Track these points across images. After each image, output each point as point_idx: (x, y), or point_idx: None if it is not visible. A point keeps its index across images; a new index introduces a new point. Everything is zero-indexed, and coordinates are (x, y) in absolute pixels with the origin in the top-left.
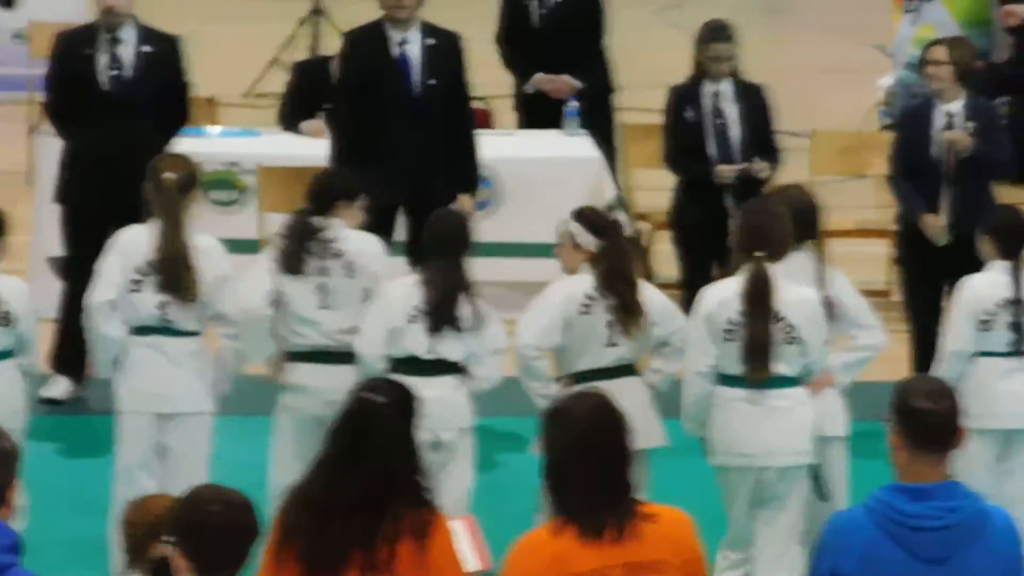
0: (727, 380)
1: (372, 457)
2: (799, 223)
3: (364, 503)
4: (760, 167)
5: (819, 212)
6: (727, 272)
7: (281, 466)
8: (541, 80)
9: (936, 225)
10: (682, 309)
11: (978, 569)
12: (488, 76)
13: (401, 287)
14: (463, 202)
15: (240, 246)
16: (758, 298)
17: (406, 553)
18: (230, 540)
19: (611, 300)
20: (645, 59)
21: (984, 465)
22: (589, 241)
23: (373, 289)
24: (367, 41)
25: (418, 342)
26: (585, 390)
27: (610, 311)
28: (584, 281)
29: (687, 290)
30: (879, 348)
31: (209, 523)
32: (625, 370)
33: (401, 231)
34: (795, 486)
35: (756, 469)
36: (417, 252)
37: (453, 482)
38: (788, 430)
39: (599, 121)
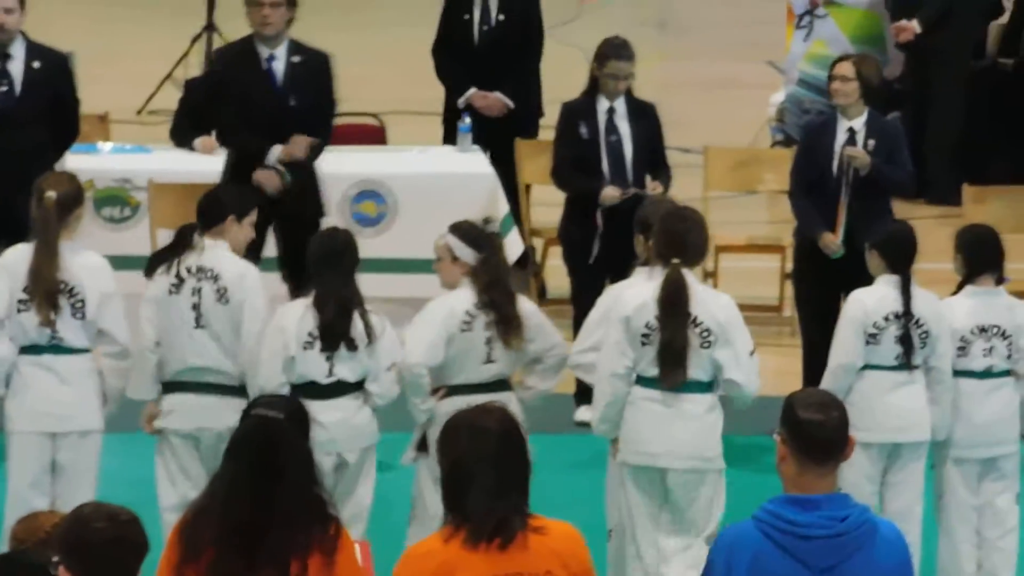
0: (642, 381)
1: (277, 473)
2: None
3: (271, 519)
4: (654, 187)
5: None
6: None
7: (166, 484)
8: (475, 96)
9: (834, 243)
10: (573, 324)
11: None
12: (381, 92)
13: (292, 313)
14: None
15: (132, 262)
16: (674, 304)
17: (315, 567)
18: (115, 556)
19: (491, 315)
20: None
21: (868, 478)
22: (468, 255)
23: (244, 323)
24: (236, 56)
25: (316, 367)
26: (483, 404)
27: (489, 327)
28: (464, 296)
29: (577, 305)
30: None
31: (94, 540)
32: (499, 385)
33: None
34: (700, 490)
35: (659, 469)
36: (290, 267)
37: (353, 501)
38: (696, 434)
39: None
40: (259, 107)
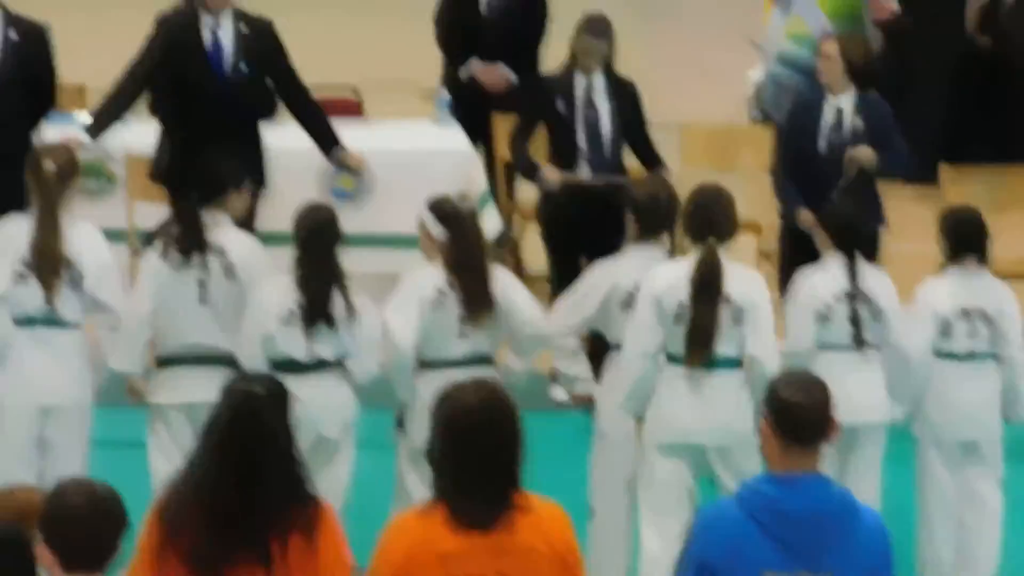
0: (674, 359)
1: (259, 454)
2: (662, 214)
3: (251, 499)
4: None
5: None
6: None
7: (159, 457)
8: (478, 68)
9: (811, 220)
10: (549, 301)
11: (843, 559)
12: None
13: (273, 290)
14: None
15: (109, 235)
16: (708, 283)
17: (295, 547)
18: (94, 532)
19: (459, 292)
20: None
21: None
22: (439, 231)
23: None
24: (179, 25)
25: (295, 344)
26: (477, 380)
27: (460, 304)
28: (434, 273)
29: (554, 283)
30: None
31: (72, 516)
32: (478, 361)
33: None
34: (741, 464)
35: (694, 447)
36: None
37: (332, 478)
38: (731, 410)
39: None
40: (199, 78)
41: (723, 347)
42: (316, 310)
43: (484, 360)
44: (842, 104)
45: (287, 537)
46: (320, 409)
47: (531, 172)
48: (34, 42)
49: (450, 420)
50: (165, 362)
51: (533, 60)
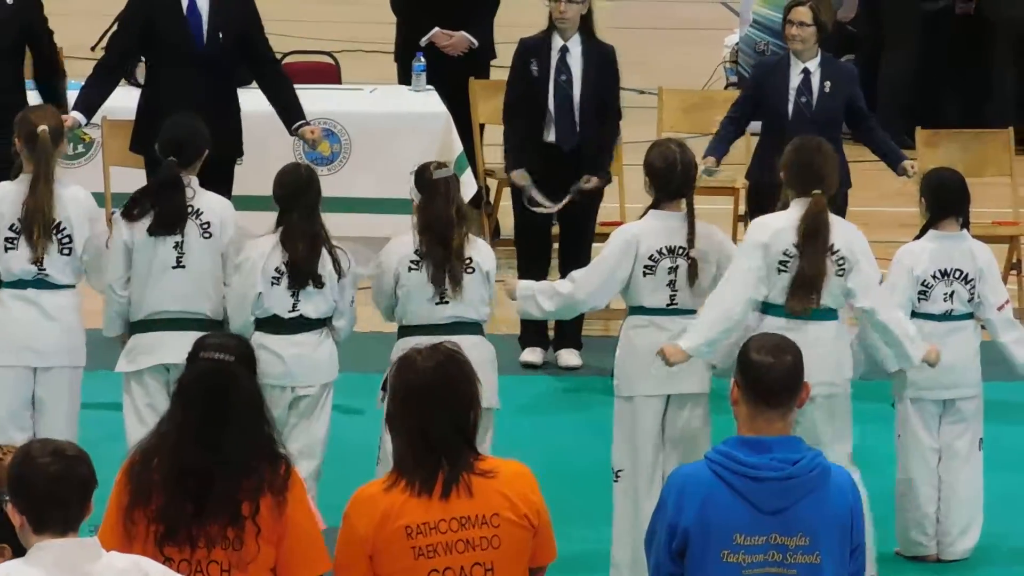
0: (771, 309)
1: (226, 418)
2: (681, 178)
3: (221, 463)
4: (586, 180)
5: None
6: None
7: (134, 420)
8: (438, 35)
9: (710, 162)
10: (517, 263)
11: (814, 520)
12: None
13: (259, 249)
14: (307, 131)
15: None
16: (815, 234)
17: (266, 507)
18: (61, 493)
19: (429, 258)
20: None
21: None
22: (416, 196)
23: (226, 255)
24: None
25: (280, 302)
26: (434, 345)
27: (430, 269)
28: (410, 239)
29: (519, 245)
30: None
31: (38, 476)
32: (461, 327)
33: None
34: (834, 413)
35: None
36: None
37: (307, 434)
38: (828, 359)
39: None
40: (177, 44)
41: (824, 298)
42: (304, 270)
43: (466, 325)
44: (810, 67)
45: (258, 497)
46: (299, 366)
47: (513, 150)
48: (27, 5)
49: (405, 386)
50: (140, 326)
51: (489, 23)
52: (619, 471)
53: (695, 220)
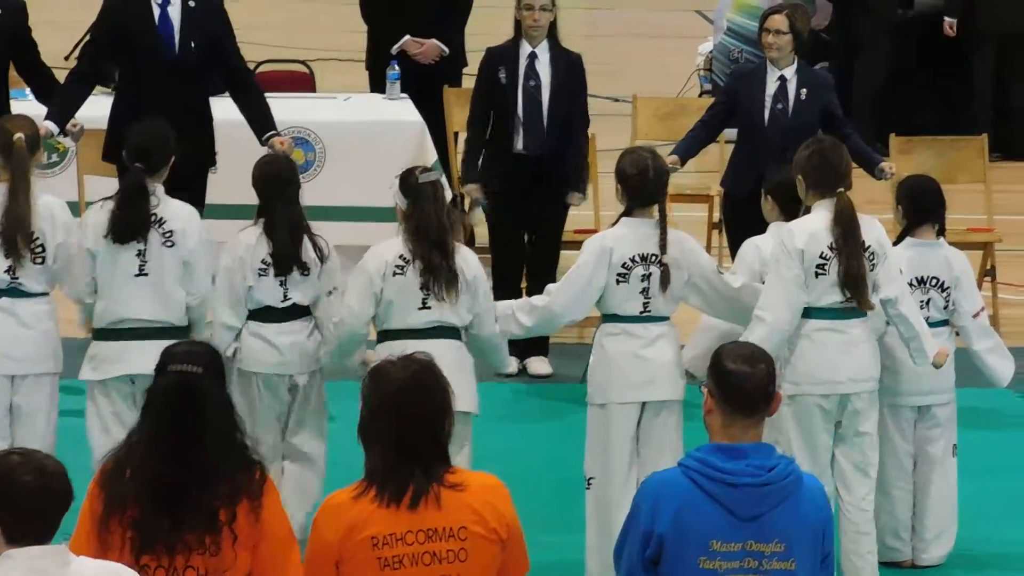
0: (815, 313)
1: (201, 429)
2: (653, 185)
3: (198, 470)
4: (573, 200)
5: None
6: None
7: (98, 431)
8: (409, 43)
9: (673, 160)
10: (492, 273)
11: (789, 527)
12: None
13: (244, 242)
14: (276, 142)
15: None
16: (852, 231)
17: (242, 513)
18: (40, 507)
19: (419, 263)
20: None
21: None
22: (401, 202)
23: (190, 263)
24: (128, 1)
25: (271, 293)
26: (408, 355)
27: (420, 274)
28: (396, 243)
29: (494, 255)
30: None
31: (19, 491)
32: (441, 332)
33: None
34: (873, 414)
35: (839, 397)
36: None
37: (307, 417)
38: (869, 357)
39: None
40: (149, 53)
41: None
42: (288, 258)
43: (445, 330)
44: (786, 74)
45: (235, 504)
46: (294, 355)
47: (467, 171)
48: (14, 15)
49: (375, 396)
50: (104, 334)
51: (460, 30)
52: (591, 478)
53: (667, 227)
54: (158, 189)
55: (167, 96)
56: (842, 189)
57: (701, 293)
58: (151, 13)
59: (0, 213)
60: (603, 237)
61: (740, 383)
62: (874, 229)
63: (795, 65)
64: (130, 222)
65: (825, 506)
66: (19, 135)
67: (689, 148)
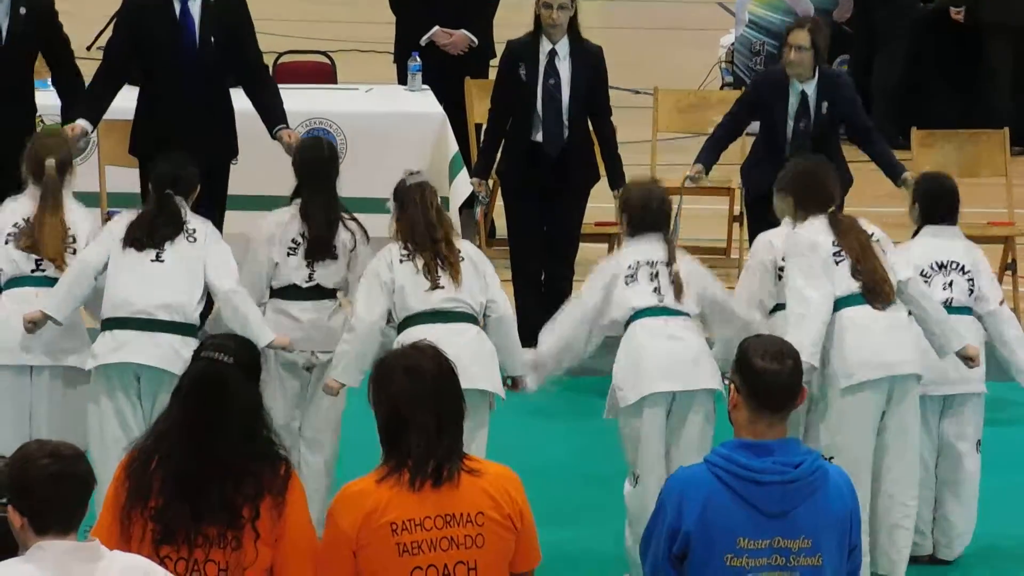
0: (845, 301)
1: (224, 417)
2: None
3: (217, 467)
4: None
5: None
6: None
7: (96, 418)
8: (439, 34)
9: (696, 170)
10: (510, 263)
11: (816, 523)
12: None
13: (276, 220)
14: (285, 135)
15: (81, 199)
16: (850, 230)
17: (265, 510)
18: (61, 493)
19: (418, 258)
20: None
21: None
22: (392, 207)
23: (212, 258)
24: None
25: (297, 272)
26: (416, 344)
27: (423, 266)
28: (396, 247)
29: (512, 244)
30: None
31: (37, 477)
32: (460, 316)
33: None
34: (916, 402)
35: (890, 379)
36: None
37: (324, 400)
38: (909, 341)
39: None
40: (171, 51)
41: None
42: (320, 242)
43: (465, 315)
44: (807, 89)
45: (258, 500)
46: (316, 332)
47: (486, 163)
48: (44, 15)
49: (387, 386)
50: (109, 324)
51: (488, 22)
52: (634, 473)
53: (675, 247)
54: (185, 206)
55: (188, 91)
56: (832, 208)
57: (710, 313)
58: (172, 9)
59: (30, 228)
60: (606, 269)
61: (769, 380)
62: (870, 226)
63: (816, 78)
64: (157, 239)
65: (852, 498)
66: (50, 160)
67: (712, 155)
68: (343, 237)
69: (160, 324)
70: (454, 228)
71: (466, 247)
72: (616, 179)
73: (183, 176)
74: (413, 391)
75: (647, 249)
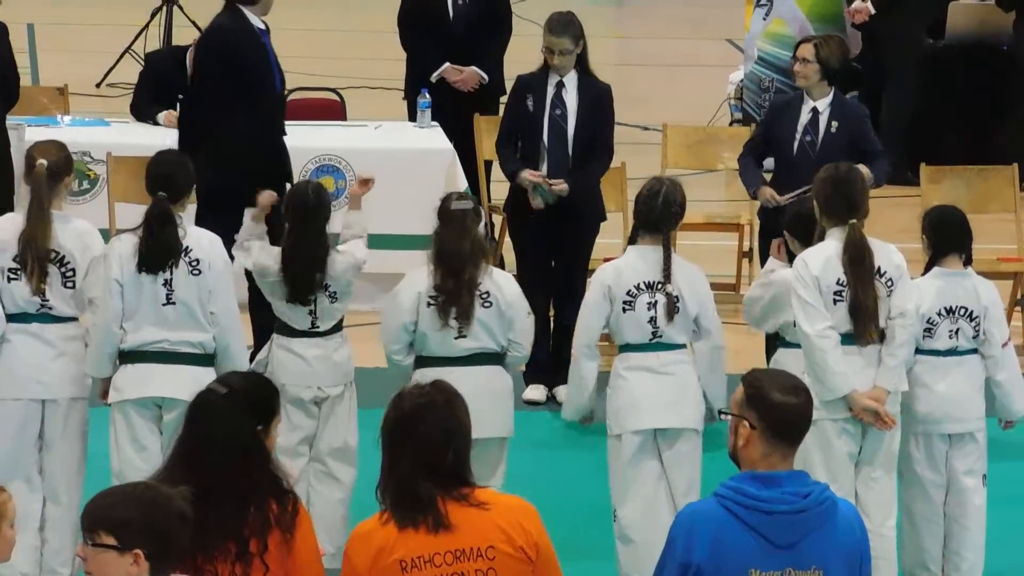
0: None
1: (213, 447)
2: (656, 214)
3: (216, 493)
4: (560, 186)
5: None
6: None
7: (115, 451)
8: (449, 70)
9: (769, 194)
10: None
11: (826, 553)
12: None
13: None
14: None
15: None
16: (860, 261)
17: (274, 544)
18: (184, 531)
19: (441, 297)
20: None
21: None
22: (434, 224)
23: (214, 291)
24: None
25: (300, 318)
26: (428, 381)
27: (442, 306)
28: (427, 272)
29: (521, 280)
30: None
31: (174, 519)
32: (479, 359)
33: None
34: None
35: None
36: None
37: (337, 434)
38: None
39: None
40: (268, 88)
41: (880, 321)
42: (299, 290)
43: (484, 357)
44: (819, 106)
45: (266, 534)
46: (323, 367)
47: (515, 176)
48: None
49: (394, 421)
50: (128, 357)
51: (499, 59)
52: (615, 511)
53: (671, 255)
54: (183, 219)
55: (275, 126)
56: (854, 220)
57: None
58: (267, 50)
59: (21, 239)
60: (604, 270)
61: (791, 414)
62: (892, 255)
63: (830, 97)
64: (159, 251)
65: (861, 530)
66: (41, 161)
67: (758, 173)
68: (336, 267)
69: (179, 356)
70: (489, 259)
71: (499, 282)
72: (579, 178)
73: (174, 175)
74: (391, 431)
75: (648, 266)
